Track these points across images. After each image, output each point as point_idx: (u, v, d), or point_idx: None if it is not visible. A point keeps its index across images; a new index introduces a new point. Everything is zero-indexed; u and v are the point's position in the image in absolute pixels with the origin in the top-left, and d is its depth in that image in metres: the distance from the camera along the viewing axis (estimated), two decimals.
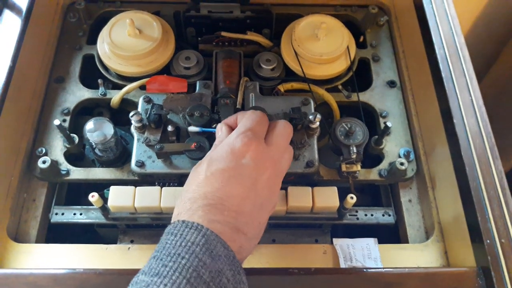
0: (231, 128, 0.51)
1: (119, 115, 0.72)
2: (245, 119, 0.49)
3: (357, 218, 0.62)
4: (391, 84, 0.72)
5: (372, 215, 0.62)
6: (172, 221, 0.42)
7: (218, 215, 0.41)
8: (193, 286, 0.36)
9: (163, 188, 0.57)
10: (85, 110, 0.72)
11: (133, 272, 0.50)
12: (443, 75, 0.61)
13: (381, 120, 0.68)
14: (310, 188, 0.57)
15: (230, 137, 0.47)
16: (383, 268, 0.53)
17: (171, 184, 0.61)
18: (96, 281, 0.49)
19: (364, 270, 0.51)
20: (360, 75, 0.73)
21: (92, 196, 0.56)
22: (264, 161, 0.45)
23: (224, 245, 0.39)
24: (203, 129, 0.59)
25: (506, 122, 1.05)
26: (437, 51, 0.63)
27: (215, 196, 0.42)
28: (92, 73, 0.73)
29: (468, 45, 0.66)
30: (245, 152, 0.45)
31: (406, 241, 0.60)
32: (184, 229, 0.39)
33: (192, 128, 0.59)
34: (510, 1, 0.99)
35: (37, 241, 0.60)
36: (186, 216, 0.41)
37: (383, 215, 0.62)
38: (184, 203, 0.43)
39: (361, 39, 0.80)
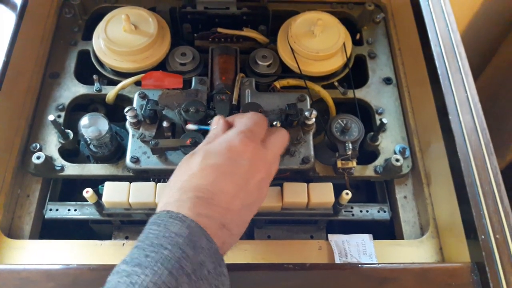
0: (229, 124, 0.51)
1: (114, 111, 0.72)
2: (246, 119, 0.49)
3: (352, 215, 0.62)
4: (387, 81, 0.72)
5: (367, 211, 0.62)
6: (158, 210, 0.42)
7: (207, 209, 0.41)
8: (175, 278, 0.35)
9: (158, 184, 0.57)
10: (80, 106, 0.72)
11: None
12: (439, 72, 0.61)
13: (377, 117, 0.68)
14: (305, 184, 0.57)
15: (229, 134, 0.47)
16: (378, 263, 0.53)
17: (166, 180, 0.61)
18: (89, 277, 0.48)
19: (359, 265, 0.51)
20: (356, 72, 0.73)
21: (87, 192, 0.55)
22: (259, 163, 0.45)
23: (208, 237, 0.39)
24: (201, 126, 0.58)
25: (502, 119, 1.05)
26: (433, 48, 0.63)
27: (207, 190, 0.42)
28: (87, 69, 0.73)
29: (465, 42, 0.66)
30: (243, 151, 0.45)
31: (401, 237, 0.60)
32: (168, 219, 0.39)
33: (190, 126, 0.59)
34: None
35: (31, 237, 0.60)
36: (174, 206, 0.41)
37: (378, 212, 0.62)
38: (173, 192, 0.42)
39: (358, 36, 0.80)
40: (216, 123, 0.51)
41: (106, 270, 0.49)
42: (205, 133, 0.59)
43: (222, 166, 0.43)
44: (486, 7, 1.04)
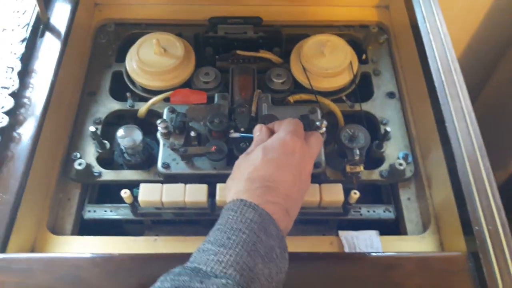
0: (270, 130, 0.59)
1: (144, 126, 0.80)
2: (287, 122, 0.58)
3: (361, 214, 0.68)
4: (391, 95, 0.79)
5: (374, 211, 0.68)
6: (230, 199, 0.49)
7: (273, 196, 0.48)
8: (252, 258, 0.42)
9: (187, 185, 0.64)
10: (113, 123, 0.80)
11: (162, 257, 0.57)
12: (436, 85, 0.68)
13: (382, 127, 0.75)
14: (317, 185, 0.64)
15: (281, 134, 0.55)
16: (383, 252, 0.59)
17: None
18: (130, 264, 0.55)
19: (367, 254, 0.57)
20: (363, 88, 0.81)
21: (125, 193, 0.63)
22: (307, 156, 0.54)
23: (275, 225, 0.46)
24: (243, 134, 0.66)
25: (504, 132, 1.11)
26: (430, 64, 0.70)
27: (271, 180, 0.49)
28: (121, 88, 0.81)
29: (464, 62, 0.72)
30: (294, 147, 0.53)
31: (405, 235, 0.66)
32: (243, 207, 0.46)
33: (233, 135, 0.66)
34: (503, 18, 1.07)
35: (72, 235, 0.67)
36: (245, 195, 0.48)
37: (384, 211, 0.68)
38: (242, 183, 0.50)
39: (364, 57, 0.88)
40: (260, 130, 0.59)
41: (143, 259, 0.56)
42: (228, 141, 0.67)
43: (279, 159, 0.51)
44: (483, 28, 1.11)
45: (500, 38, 1.09)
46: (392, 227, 0.69)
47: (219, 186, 0.64)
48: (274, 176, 0.50)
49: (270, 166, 0.50)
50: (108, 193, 0.77)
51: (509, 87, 1.10)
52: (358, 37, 0.88)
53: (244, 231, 0.44)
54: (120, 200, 0.65)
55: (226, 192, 0.52)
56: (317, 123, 0.67)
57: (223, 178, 0.57)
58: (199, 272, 0.40)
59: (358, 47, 0.87)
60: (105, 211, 0.69)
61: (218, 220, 0.47)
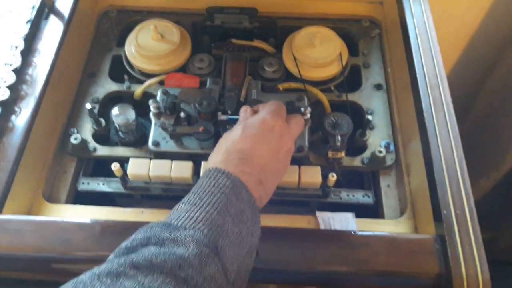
0: (254, 111, 0.62)
1: (140, 108, 0.83)
2: (270, 103, 0.61)
3: (340, 198, 0.70)
4: (378, 87, 0.81)
5: (353, 195, 0.71)
6: (207, 168, 0.52)
7: (248, 167, 0.51)
8: (221, 217, 0.45)
9: (174, 161, 0.67)
10: (110, 103, 0.84)
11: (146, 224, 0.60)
12: (418, 76, 0.70)
13: (367, 117, 0.78)
14: (297, 166, 0.66)
15: (262, 113, 0.58)
16: (354, 230, 0.62)
17: None
18: (115, 229, 0.59)
19: (338, 232, 0.60)
20: (352, 79, 0.83)
21: (115, 166, 0.66)
22: (286, 136, 0.57)
23: (247, 191, 0.49)
24: (230, 116, 0.69)
25: (501, 131, 1.12)
26: (414, 55, 0.73)
27: (247, 153, 0.52)
28: (119, 70, 0.85)
29: (466, 60, 0.74)
30: (274, 125, 0.56)
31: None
32: (217, 174, 0.50)
33: (221, 117, 0.69)
34: (504, 18, 1.09)
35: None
36: (221, 165, 0.51)
37: (363, 196, 0.71)
38: (221, 154, 0.53)
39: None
40: (245, 111, 0.63)
41: (128, 224, 0.60)
42: (215, 123, 0.70)
43: (258, 135, 0.54)
44: (484, 27, 1.13)
45: (502, 36, 1.10)
46: (371, 212, 0.71)
47: (203, 163, 0.67)
48: (251, 150, 0.53)
49: (248, 141, 0.54)
50: (103, 169, 0.80)
51: (506, 88, 1.12)
52: (351, 31, 0.90)
53: (216, 194, 0.47)
54: (113, 176, 0.68)
55: (205, 165, 0.55)
56: (302, 109, 0.69)
57: None
58: (169, 225, 0.44)
59: (351, 40, 0.89)
60: (98, 184, 0.73)
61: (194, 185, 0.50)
